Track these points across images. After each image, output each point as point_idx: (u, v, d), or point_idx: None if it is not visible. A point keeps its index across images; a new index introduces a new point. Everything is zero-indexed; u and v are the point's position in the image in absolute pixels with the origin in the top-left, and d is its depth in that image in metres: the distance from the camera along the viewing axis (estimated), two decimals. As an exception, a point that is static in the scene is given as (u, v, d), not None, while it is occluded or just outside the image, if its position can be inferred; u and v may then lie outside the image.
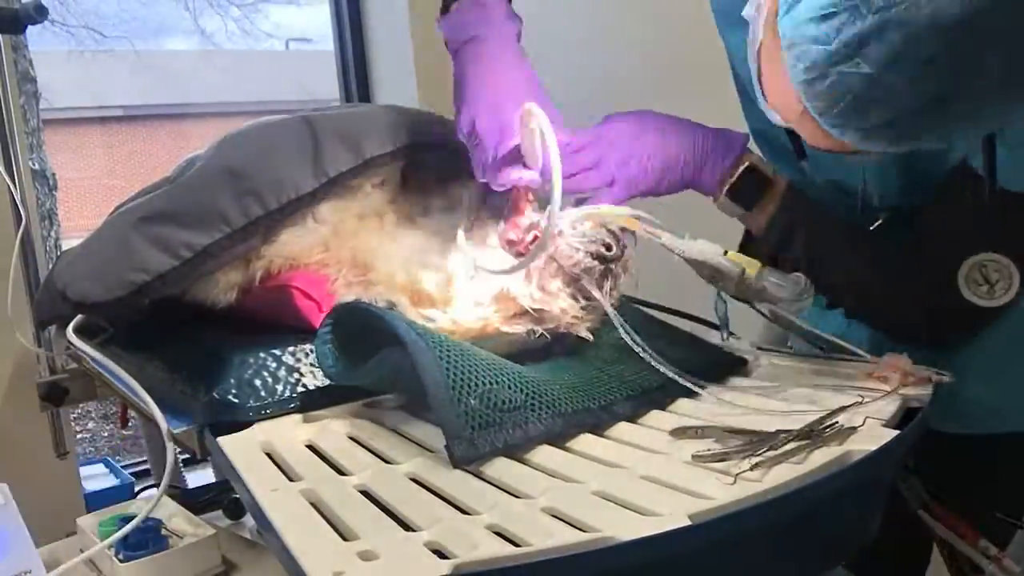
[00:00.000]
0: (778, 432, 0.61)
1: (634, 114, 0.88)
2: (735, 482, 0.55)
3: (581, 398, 0.71)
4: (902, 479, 0.80)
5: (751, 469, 0.57)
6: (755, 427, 0.64)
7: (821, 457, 0.59)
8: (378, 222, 0.95)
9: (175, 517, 0.87)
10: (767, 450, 0.58)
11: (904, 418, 0.68)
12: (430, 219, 0.95)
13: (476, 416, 0.64)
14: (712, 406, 0.73)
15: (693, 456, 0.60)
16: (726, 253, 0.79)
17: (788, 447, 0.59)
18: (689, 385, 0.75)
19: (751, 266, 0.78)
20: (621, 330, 0.74)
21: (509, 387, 0.67)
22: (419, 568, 0.47)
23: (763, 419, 0.67)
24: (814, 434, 0.61)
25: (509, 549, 0.48)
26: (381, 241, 0.93)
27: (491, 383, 0.67)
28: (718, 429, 0.64)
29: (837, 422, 0.62)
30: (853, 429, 0.62)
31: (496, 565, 0.46)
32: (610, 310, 0.76)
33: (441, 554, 0.49)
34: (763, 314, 0.85)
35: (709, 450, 0.60)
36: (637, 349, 0.74)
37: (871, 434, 0.62)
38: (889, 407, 0.68)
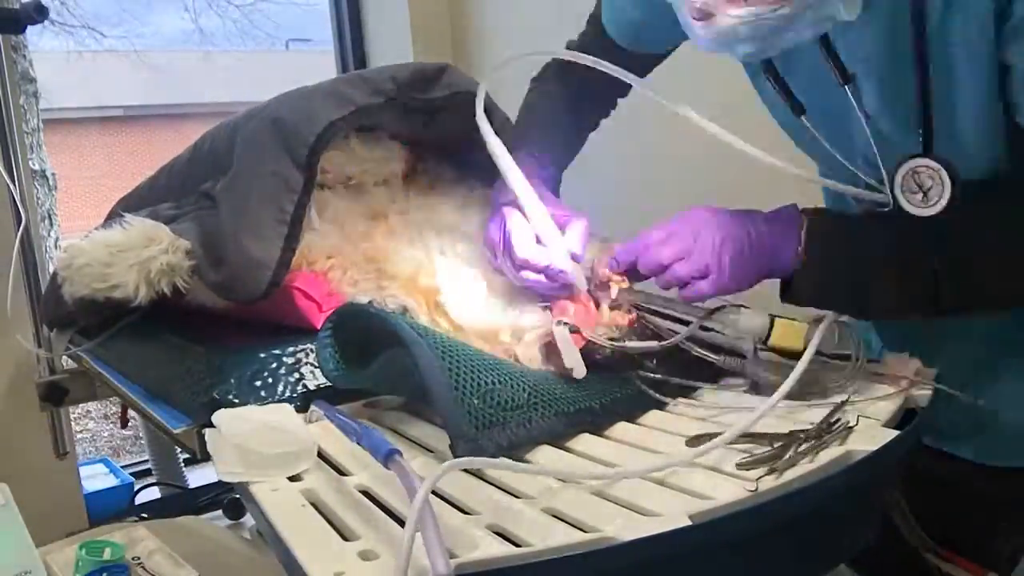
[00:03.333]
0: (793, 434, 0.61)
1: (702, 208, 0.80)
2: (757, 489, 0.55)
3: (582, 397, 0.71)
4: (903, 522, 0.79)
5: (768, 473, 0.56)
6: (759, 429, 0.63)
7: (823, 457, 0.58)
8: (384, 222, 0.96)
9: (155, 554, 0.86)
10: (790, 453, 0.58)
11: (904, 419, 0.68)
12: (440, 219, 0.95)
13: (480, 415, 0.64)
14: (711, 406, 0.73)
15: (737, 465, 0.59)
16: (772, 324, 0.75)
17: (805, 447, 0.59)
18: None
19: (798, 332, 0.74)
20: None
21: (511, 386, 0.68)
22: (419, 568, 0.47)
23: (766, 420, 0.67)
24: (825, 433, 0.61)
25: (509, 549, 0.48)
26: (389, 241, 0.93)
27: (493, 383, 0.67)
28: (734, 436, 0.63)
29: (845, 420, 0.62)
30: (853, 429, 0.62)
31: (496, 565, 0.46)
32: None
33: (441, 554, 0.49)
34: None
35: (751, 455, 0.59)
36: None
37: (871, 434, 0.62)
38: (889, 408, 0.67)
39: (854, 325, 0.76)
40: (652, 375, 0.75)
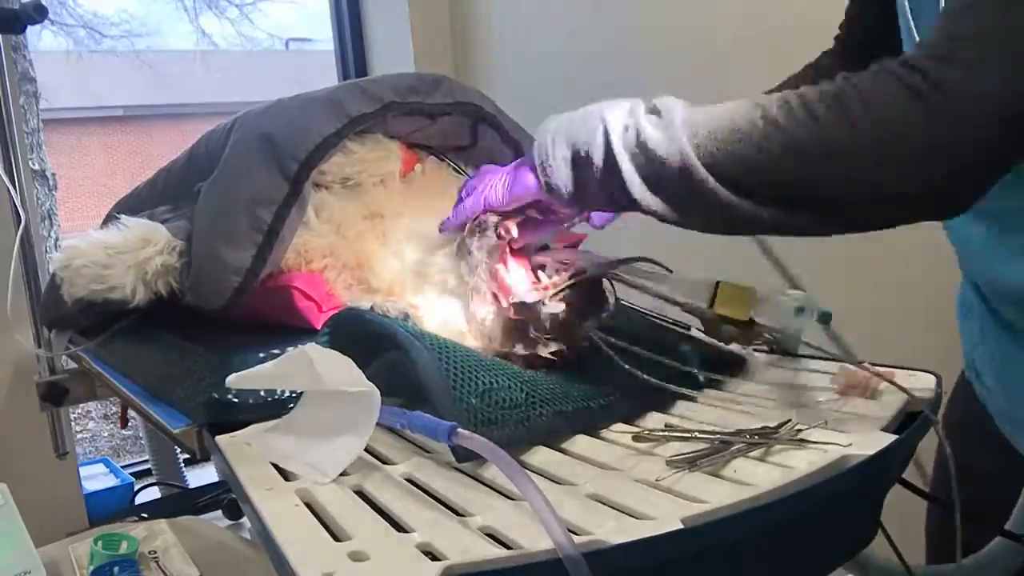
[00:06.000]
0: (739, 432, 0.62)
1: None
2: (656, 481, 0.56)
3: (581, 397, 0.71)
4: None
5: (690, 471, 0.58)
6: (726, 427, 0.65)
7: (818, 460, 0.58)
8: (381, 223, 0.96)
9: (172, 549, 0.86)
10: (732, 451, 0.60)
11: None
12: (430, 225, 0.95)
13: (478, 414, 0.64)
14: (710, 408, 0.73)
15: (667, 462, 0.60)
16: (717, 287, 0.70)
17: (754, 449, 0.60)
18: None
19: (745, 297, 0.70)
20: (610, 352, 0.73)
21: (509, 386, 0.68)
22: (409, 570, 0.47)
23: (756, 421, 0.67)
24: (771, 435, 0.61)
25: (500, 552, 0.48)
26: (380, 245, 0.93)
27: (491, 383, 0.67)
28: (681, 432, 0.64)
29: (793, 424, 0.63)
30: (801, 431, 0.62)
31: (486, 568, 0.46)
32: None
33: (433, 556, 0.49)
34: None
35: (682, 454, 0.60)
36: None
37: (869, 438, 0.61)
38: (887, 410, 0.67)
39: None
40: (648, 377, 0.75)
